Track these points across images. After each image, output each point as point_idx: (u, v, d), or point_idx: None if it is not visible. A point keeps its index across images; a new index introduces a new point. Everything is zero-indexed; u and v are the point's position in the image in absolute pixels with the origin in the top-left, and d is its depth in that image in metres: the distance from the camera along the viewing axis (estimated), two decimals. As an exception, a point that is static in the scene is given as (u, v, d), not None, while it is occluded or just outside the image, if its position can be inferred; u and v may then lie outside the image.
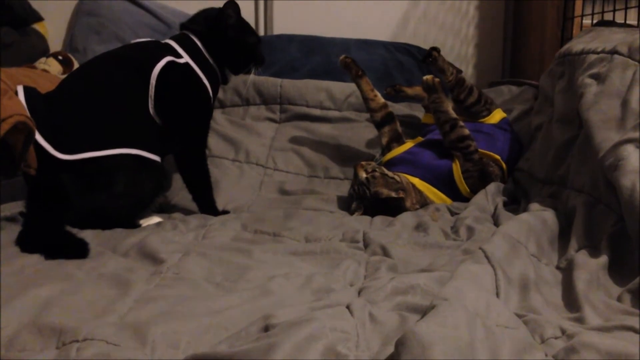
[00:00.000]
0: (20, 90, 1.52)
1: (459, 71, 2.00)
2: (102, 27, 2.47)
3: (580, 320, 0.97)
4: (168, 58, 1.63)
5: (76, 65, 2.25)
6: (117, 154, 1.51)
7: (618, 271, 1.14)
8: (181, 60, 1.66)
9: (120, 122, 1.57)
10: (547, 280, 1.14)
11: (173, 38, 1.74)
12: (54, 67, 2.19)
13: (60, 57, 2.23)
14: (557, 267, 1.22)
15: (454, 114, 1.79)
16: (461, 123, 1.78)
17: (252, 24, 2.53)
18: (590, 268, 1.13)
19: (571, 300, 1.06)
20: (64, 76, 2.03)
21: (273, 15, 2.64)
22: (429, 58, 1.91)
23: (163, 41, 1.72)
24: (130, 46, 1.75)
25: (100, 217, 1.48)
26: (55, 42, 2.54)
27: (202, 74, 1.68)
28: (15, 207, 1.47)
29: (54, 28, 2.53)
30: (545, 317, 0.95)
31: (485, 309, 0.88)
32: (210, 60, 1.72)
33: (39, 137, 1.47)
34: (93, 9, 2.50)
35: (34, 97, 1.53)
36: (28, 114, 1.45)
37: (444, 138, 1.79)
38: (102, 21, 2.47)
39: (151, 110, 1.60)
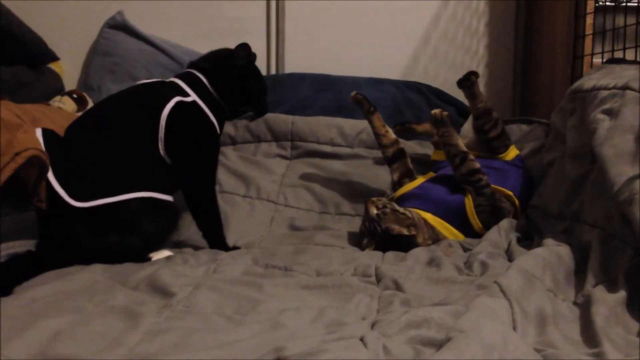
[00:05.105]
0: (38, 132, 1.53)
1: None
2: (116, 66, 2.51)
3: (599, 356, 0.95)
4: (177, 99, 1.65)
5: (90, 103, 2.28)
6: (131, 198, 1.51)
7: (636, 306, 1.12)
8: (188, 99, 1.68)
9: (133, 166, 1.58)
10: (565, 315, 1.12)
11: (179, 76, 1.77)
12: (68, 105, 2.22)
13: (75, 95, 2.26)
14: (574, 303, 1.19)
15: (464, 147, 1.78)
16: (471, 156, 1.77)
17: (264, 63, 2.60)
18: (608, 303, 1.11)
19: (590, 336, 1.04)
20: (78, 114, 2.06)
21: (285, 55, 2.68)
22: (467, 81, 1.89)
23: (169, 80, 1.74)
24: (138, 87, 1.75)
25: (112, 256, 1.48)
26: (70, 81, 2.57)
27: (209, 111, 1.70)
28: (25, 245, 1.47)
29: (69, 66, 2.57)
30: (564, 352, 0.93)
31: (502, 343, 0.87)
32: (216, 97, 1.74)
33: (53, 182, 1.47)
34: (109, 48, 2.54)
35: (51, 139, 1.54)
36: (43, 148, 1.46)
37: (455, 172, 1.78)
38: (117, 60, 2.51)
39: (161, 151, 1.62)
